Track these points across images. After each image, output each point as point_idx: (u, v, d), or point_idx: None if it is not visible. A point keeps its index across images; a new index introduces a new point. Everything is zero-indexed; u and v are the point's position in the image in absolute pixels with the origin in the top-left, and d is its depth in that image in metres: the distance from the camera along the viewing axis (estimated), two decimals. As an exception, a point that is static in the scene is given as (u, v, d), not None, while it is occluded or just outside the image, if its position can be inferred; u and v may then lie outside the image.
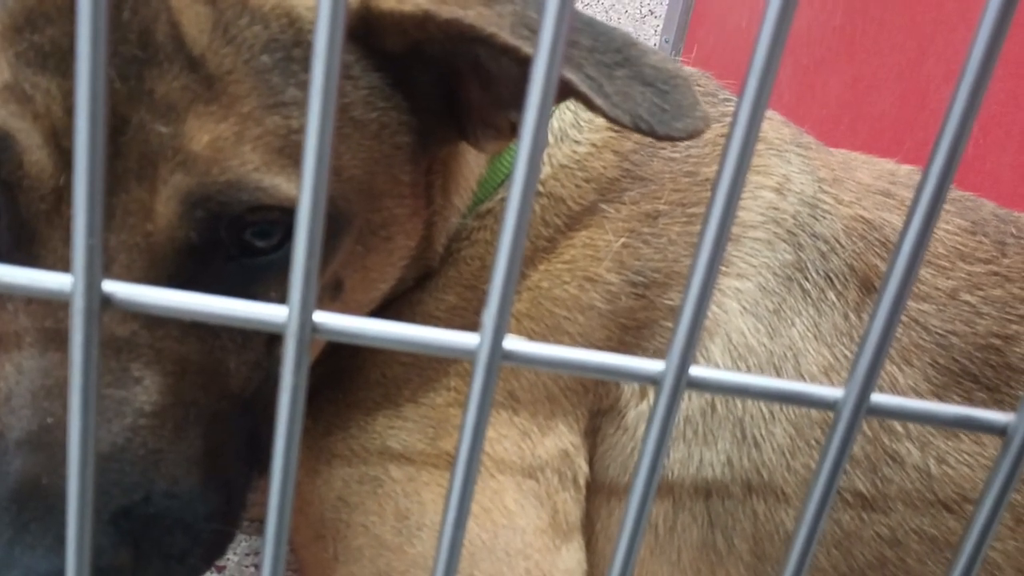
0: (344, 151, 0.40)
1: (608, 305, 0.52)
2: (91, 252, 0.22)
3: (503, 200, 0.52)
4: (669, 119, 0.36)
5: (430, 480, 0.49)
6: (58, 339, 0.37)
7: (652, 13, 2.61)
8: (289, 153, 0.38)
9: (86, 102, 0.21)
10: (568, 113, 0.55)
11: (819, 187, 0.59)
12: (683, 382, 0.26)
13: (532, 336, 0.51)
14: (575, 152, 0.54)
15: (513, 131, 0.44)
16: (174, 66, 0.36)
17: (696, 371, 0.26)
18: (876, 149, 1.26)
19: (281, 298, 0.39)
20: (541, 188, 0.53)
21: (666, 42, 2.35)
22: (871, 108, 1.25)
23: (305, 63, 0.38)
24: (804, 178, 0.59)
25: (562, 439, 0.51)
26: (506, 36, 0.37)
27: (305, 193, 0.22)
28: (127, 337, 0.37)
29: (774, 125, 0.62)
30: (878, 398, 0.27)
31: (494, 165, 0.53)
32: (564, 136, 0.54)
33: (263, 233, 0.39)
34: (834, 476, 0.27)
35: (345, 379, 0.52)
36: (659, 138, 0.37)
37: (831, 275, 0.56)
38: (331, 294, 0.44)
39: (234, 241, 0.39)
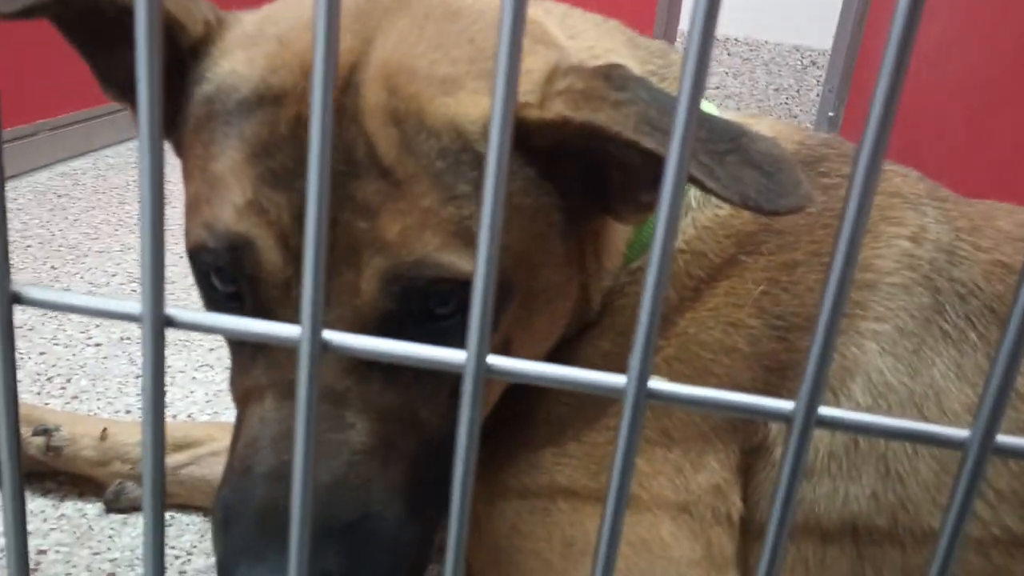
0: (506, 232, 0.47)
1: (751, 348, 0.55)
2: (315, 307, 0.28)
3: None
4: (775, 197, 0.41)
5: (593, 512, 0.53)
6: (292, 393, 0.46)
7: (815, 64, 2.58)
8: (462, 236, 0.46)
9: (314, 209, 0.27)
10: None
11: (956, 235, 0.60)
12: (812, 420, 0.29)
13: (681, 377, 0.55)
14: (717, 215, 0.59)
15: (650, 206, 0.50)
16: (371, 175, 0.45)
17: (825, 410, 0.29)
18: (1056, 193, 1.19)
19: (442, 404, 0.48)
20: (685, 246, 0.57)
21: (829, 91, 2.31)
22: (1050, 151, 1.20)
23: (471, 164, 0.46)
24: (940, 228, 0.60)
25: (714, 475, 0.54)
26: (629, 133, 0.44)
27: (481, 255, 0.27)
28: (342, 391, 0.46)
29: (909, 181, 0.63)
30: (1004, 438, 0.28)
31: (641, 229, 0.58)
32: (707, 201, 0.59)
33: (443, 302, 0.47)
34: (963, 514, 0.29)
35: (516, 423, 0.58)
36: (766, 214, 0.41)
37: (971, 316, 0.57)
38: (501, 352, 0.50)
39: (421, 310, 0.47)
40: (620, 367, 0.54)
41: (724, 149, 0.42)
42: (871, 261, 0.58)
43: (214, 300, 0.50)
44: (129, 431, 0.82)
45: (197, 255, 0.48)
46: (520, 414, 0.58)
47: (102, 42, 0.54)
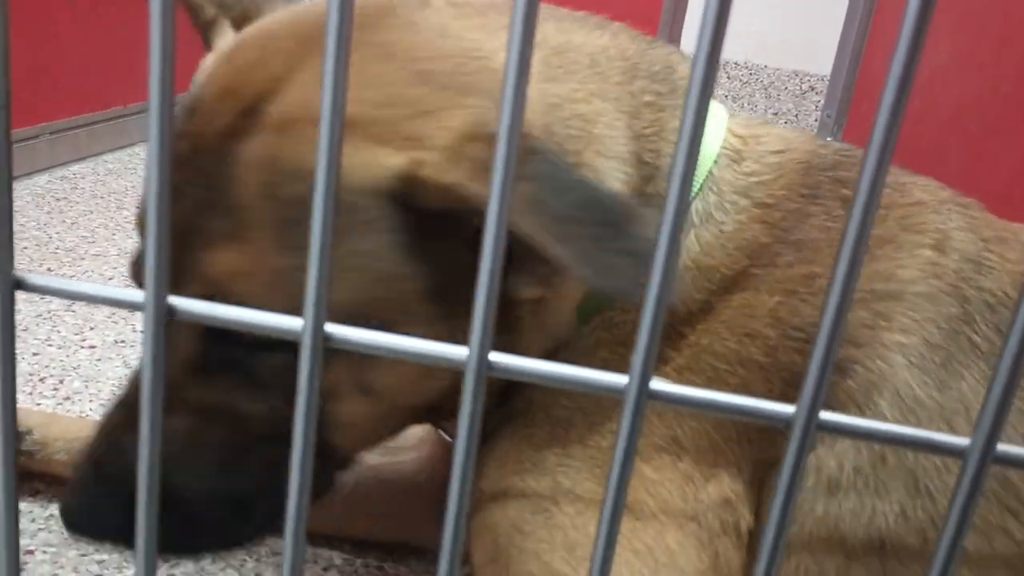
0: (340, 288, 0.47)
1: (767, 358, 0.54)
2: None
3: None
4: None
5: (597, 516, 0.53)
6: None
7: (813, 89, 2.60)
8: (287, 288, 0.46)
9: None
10: (711, 195, 0.58)
11: (983, 245, 0.59)
12: (813, 425, 0.29)
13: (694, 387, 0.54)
14: (722, 231, 0.57)
15: (546, 279, 0.48)
16: (224, 209, 0.47)
17: (826, 416, 0.29)
18: (1053, 222, 1.20)
19: (268, 404, 0.51)
20: (691, 263, 0.56)
21: (828, 117, 2.33)
22: (1048, 179, 1.20)
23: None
24: (965, 236, 0.59)
25: (724, 486, 0.53)
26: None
27: (487, 247, 0.27)
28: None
29: (930, 189, 0.62)
30: (1005, 447, 0.28)
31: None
32: (710, 217, 0.58)
33: (264, 354, 0.49)
34: (962, 525, 0.29)
35: (518, 420, 0.58)
36: (633, 303, 0.41)
37: (1001, 327, 0.56)
38: (360, 405, 0.53)
39: (238, 357, 0.50)
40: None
41: (609, 234, 0.41)
42: (893, 271, 0.57)
43: None
44: None
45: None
46: (522, 411, 0.58)
47: None
